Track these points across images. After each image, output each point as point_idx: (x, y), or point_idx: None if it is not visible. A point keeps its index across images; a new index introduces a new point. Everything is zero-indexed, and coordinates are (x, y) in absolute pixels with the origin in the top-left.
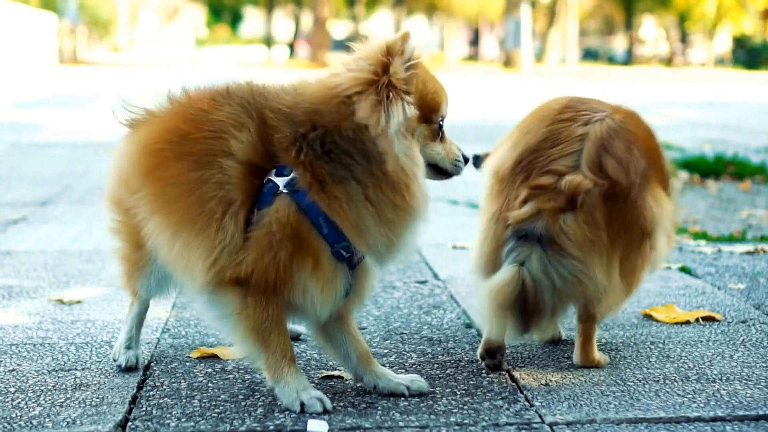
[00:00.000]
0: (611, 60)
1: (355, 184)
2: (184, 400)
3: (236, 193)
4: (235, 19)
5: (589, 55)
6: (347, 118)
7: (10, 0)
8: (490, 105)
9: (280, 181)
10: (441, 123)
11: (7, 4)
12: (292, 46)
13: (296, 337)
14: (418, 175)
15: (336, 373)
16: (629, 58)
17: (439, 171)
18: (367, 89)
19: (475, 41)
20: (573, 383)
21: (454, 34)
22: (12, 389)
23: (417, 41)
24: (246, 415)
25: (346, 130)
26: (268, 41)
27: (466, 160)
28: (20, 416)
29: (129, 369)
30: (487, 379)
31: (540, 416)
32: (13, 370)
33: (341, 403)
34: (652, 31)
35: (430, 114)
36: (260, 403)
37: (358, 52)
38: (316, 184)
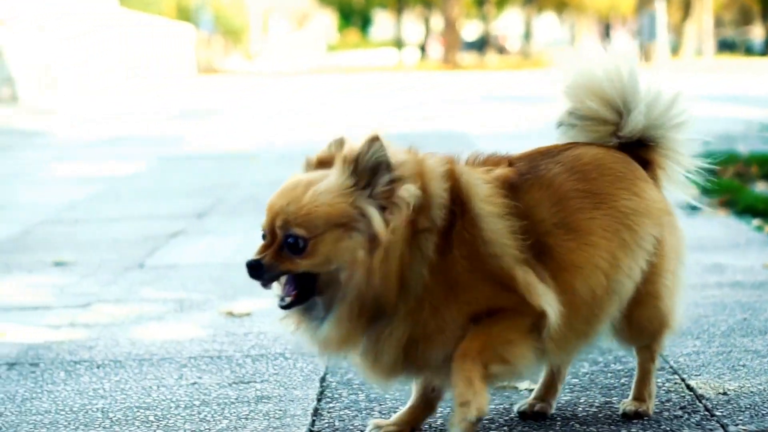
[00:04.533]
0: (749, 50)
1: None
2: (363, 412)
3: None
4: (364, 23)
5: (725, 46)
6: None
7: (150, 12)
8: None
9: None
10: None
11: (148, 17)
12: (423, 48)
13: None
14: None
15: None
16: None
17: None
18: None
19: (606, 36)
20: (752, 392)
21: (585, 29)
22: (197, 402)
23: None
24: (426, 427)
25: None
26: (399, 44)
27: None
28: (208, 429)
29: None
30: (664, 388)
31: (722, 426)
32: (195, 383)
33: (515, 418)
34: None
35: None
36: (438, 414)
37: None
38: None
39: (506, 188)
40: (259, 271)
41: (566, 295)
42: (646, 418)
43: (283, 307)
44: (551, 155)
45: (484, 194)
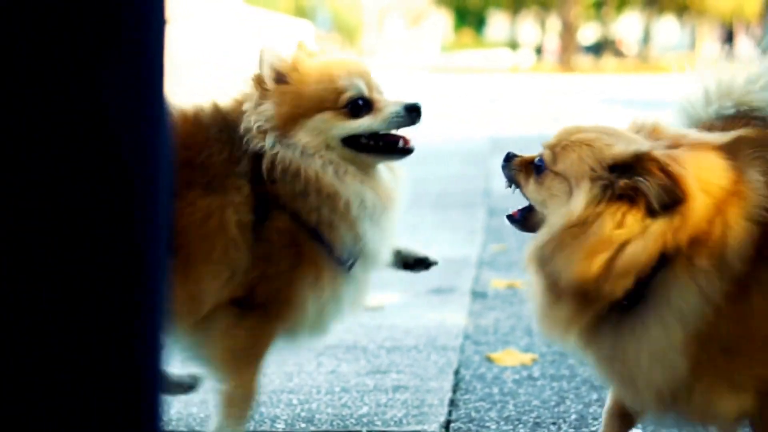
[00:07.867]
0: None
1: None
2: (498, 405)
3: None
4: (479, 23)
5: None
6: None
7: (271, 10)
8: None
9: None
10: (356, 101)
11: (269, 14)
12: (539, 50)
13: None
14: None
15: None
16: None
17: (372, 140)
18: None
19: (728, 41)
20: None
21: (706, 34)
22: (337, 389)
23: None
24: (561, 421)
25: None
26: (513, 45)
27: (414, 109)
28: (350, 414)
29: None
30: None
31: None
32: (333, 371)
33: None
34: None
35: (325, 102)
36: (572, 410)
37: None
38: None
39: None
40: (508, 161)
41: None
42: None
43: (507, 217)
44: None
45: None
